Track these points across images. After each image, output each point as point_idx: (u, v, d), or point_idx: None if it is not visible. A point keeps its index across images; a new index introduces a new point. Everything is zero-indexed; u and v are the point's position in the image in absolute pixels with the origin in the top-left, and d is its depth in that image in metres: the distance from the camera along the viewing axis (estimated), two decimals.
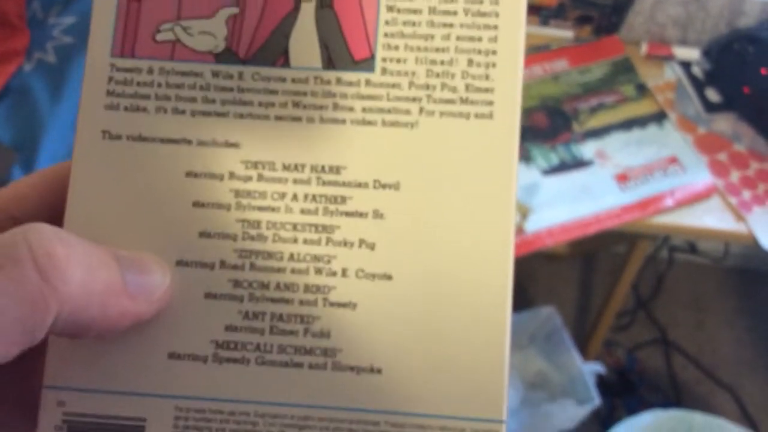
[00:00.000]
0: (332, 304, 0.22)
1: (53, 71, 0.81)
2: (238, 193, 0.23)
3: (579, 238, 0.86)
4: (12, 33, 0.81)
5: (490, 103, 0.23)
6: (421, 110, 0.23)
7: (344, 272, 0.23)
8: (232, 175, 0.23)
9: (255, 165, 0.23)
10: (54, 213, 0.23)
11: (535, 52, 1.01)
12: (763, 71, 0.98)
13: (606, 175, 0.90)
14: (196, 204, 0.23)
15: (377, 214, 0.23)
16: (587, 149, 0.92)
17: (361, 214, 0.23)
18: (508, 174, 0.23)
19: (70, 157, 0.23)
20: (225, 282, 0.23)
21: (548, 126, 0.93)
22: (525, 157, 0.90)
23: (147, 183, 0.23)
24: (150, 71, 0.24)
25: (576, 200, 0.88)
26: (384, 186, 0.23)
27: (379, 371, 0.22)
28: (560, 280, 1.54)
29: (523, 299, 1.48)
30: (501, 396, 0.22)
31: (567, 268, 1.56)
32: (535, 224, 0.85)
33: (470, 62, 0.23)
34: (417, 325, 0.22)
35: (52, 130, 0.77)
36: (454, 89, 0.23)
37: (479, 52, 0.24)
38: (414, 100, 0.23)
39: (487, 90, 0.23)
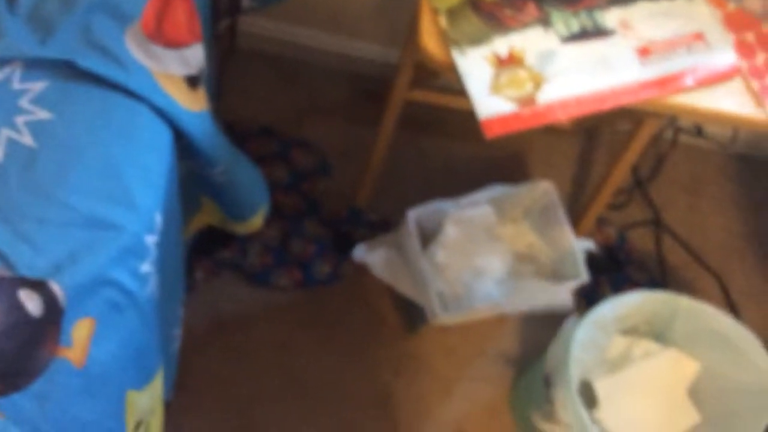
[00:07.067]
0: None
1: None
2: None
3: (593, 113, 0.81)
4: None
5: None
6: None
7: None
8: None
9: None
10: None
11: None
12: None
13: (627, 47, 0.84)
14: None
15: None
16: (611, 17, 0.86)
17: None
18: None
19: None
20: None
21: None
22: (544, 21, 0.84)
23: None
24: None
25: (594, 72, 0.82)
26: None
27: None
28: (559, 153, 1.51)
29: (519, 171, 1.45)
30: None
31: (567, 141, 1.52)
32: (548, 95, 0.80)
33: None
34: None
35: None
36: None
37: None
38: None
39: None
